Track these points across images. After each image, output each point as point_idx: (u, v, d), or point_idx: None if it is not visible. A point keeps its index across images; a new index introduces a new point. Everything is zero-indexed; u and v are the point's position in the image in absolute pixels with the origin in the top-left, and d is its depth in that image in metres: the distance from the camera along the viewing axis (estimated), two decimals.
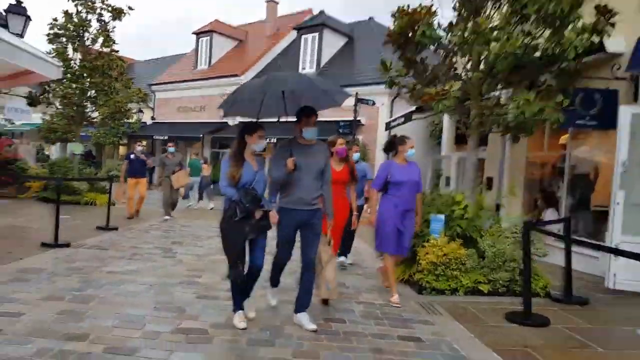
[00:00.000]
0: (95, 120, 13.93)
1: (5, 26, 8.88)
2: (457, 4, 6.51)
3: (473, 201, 6.20)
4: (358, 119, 14.88)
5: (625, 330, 4.50)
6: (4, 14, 9.30)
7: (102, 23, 12.99)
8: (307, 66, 18.79)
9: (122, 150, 25.26)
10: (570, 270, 5.43)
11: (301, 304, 4.02)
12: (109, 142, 21.98)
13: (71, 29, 12.52)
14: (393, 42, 6.21)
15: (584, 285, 5.96)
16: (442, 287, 5.23)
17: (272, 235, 3.99)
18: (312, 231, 3.98)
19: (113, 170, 18.68)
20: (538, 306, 4.72)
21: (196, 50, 23.13)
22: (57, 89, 12.69)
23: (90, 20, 12.88)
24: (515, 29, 5.73)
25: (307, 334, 3.79)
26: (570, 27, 5.51)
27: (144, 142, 17.28)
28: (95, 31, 12.91)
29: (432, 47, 6.45)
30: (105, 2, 12.86)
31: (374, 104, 14.43)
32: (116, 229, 8.22)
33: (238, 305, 3.95)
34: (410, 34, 5.97)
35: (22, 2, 9.34)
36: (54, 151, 27.24)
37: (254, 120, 4.30)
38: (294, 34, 20.48)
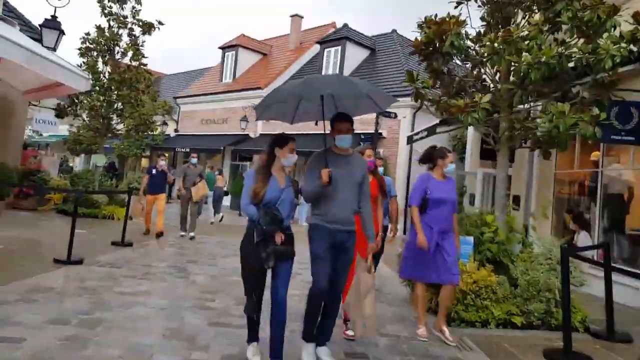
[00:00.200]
0: (119, 132, 14.04)
1: (40, 40, 9.04)
2: (486, 14, 6.23)
3: (503, 222, 5.81)
4: (379, 131, 14.61)
5: None
6: (39, 28, 9.51)
7: (133, 37, 13.17)
8: None
9: (144, 162, 25.54)
10: (611, 303, 4.95)
11: (323, 335, 3.61)
12: (132, 154, 22.21)
13: (102, 43, 12.74)
14: (420, 53, 5.93)
15: (625, 320, 5.41)
16: (472, 318, 4.82)
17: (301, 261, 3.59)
18: (345, 256, 3.54)
19: (133, 182, 18.82)
20: (577, 342, 4.29)
21: (222, 63, 23.39)
22: (85, 101, 12.86)
23: (121, 35, 13.08)
24: (547, 38, 5.40)
25: None
26: (605, 35, 5.18)
27: (167, 155, 17.33)
28: (125, 45, 13.08)
29: (458, 58, 6.16)
30: (137, 17, 13.06)
31: (395, 116, 14.13)
32: (131, 245, 8.07)
33: (253, 337, 3.58)
34: (437, 44, 5.69)
35: (57, 17, 9.52)
36: (78, 163, 27.73)
37: (288, 123, 4.09)
38: (317, 48, 20.44)
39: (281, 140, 3.52)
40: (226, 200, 18.70)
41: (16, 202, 11.27)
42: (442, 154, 4.48)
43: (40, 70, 5.07)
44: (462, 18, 5.75)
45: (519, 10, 6.02)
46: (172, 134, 23.81)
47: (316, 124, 3.86)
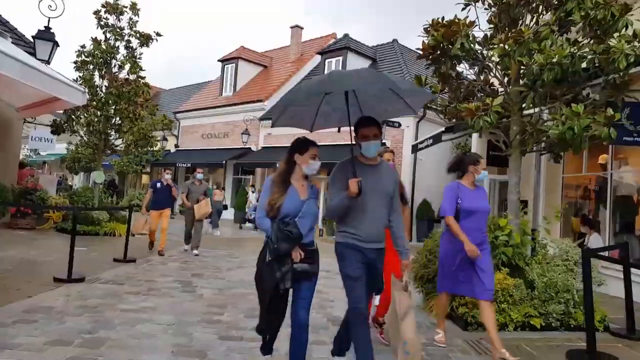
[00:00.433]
0: (118, 147, 13.83)
1: (33, 52, 8.89)
2: (493, 16, 6.12)
3: (517, 226, 5.68)
4: (383, 141, 14.46)
5: None
6: (32, 40, 9.34)
7: (130, 49, 13.00)
8: None
9: (144, 179, 25.37)
10: (631, 301, 4.99)
11: (346, 344, 3.42)
12: (132, 171, 22.03)
13: (99, 55, 12.53)
14: (427, 57, 5.80)
15: None
16: None
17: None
18: (374, 277, 3.18)
19: (134, 199, 18.62)
20: (598, 341, 4.14)
21: (221, 77, 23.34)
22: (82, 117, 12.64)
23: (118, 47, 12.89)
24: (558, 38, 5.28)
25: None
26: (616, 35, 5.08)
27: (170, 170, 17.19)
28: (122, 57, 12.92)
29: (467, 62, 6.04)
30: (134, 29, 12.91)
31: (399, 125, 14.02)
32: (134, 261, 7.85)
33: (268, 349, 3.36)
34: (445, 47, 5.55)
35: (50, 28, 9.35)
36: (77, 181, 27.56)
37: (307, 130, 3.67)
38: (318, 58, 20.45)
39: (301, 144, 3.16)
40: (230, 214, 18.54)
41: (14, 222, 11.07)
42: (474, 160, 4.13)
43: (33, 84, 4.91)
44: (469, 20, 5.64)
45: (527, 13, 5.92)
46: (173, 150, 23.68)
47: (339, 130, 3.57)
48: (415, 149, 12.40)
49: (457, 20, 5.33)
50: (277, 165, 3.25)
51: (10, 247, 8.35)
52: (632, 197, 7.75)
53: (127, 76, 12.91)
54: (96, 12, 12.64)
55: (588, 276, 4.10)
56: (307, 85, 3.39)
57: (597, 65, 5.01)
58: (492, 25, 6.16)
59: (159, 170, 21.99)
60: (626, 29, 5.08)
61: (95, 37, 12.69)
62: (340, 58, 18.45)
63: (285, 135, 18.71)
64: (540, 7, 5.80)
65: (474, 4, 5.93)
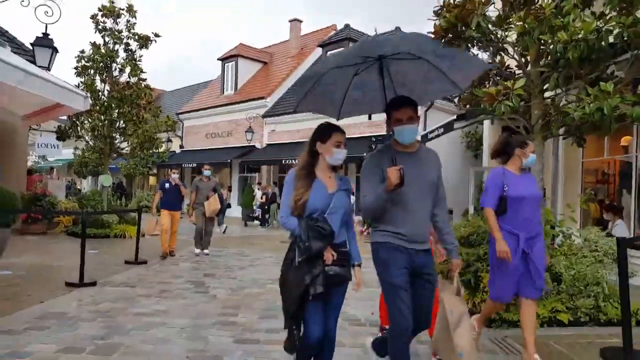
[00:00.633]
0: (124, 151, 13.75)
1: (33, 60, 8.78)
2: None
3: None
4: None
5: None
6: (31, 47, 9.22)
7: (129, 52, 12.87)
8: None
9: (151, 180, 25.33)
10: None
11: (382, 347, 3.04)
12: (139, 173, 22.00)
13: (98, 60, 12.42)
14: (440, 40, 5.55)
15: None
16: (514, 318, 4.42)
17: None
18: (426, 281, 2.74)
19: (143, 201, 18.57)
20: (634, 338, 3.86)
21: (222, 75, 23.15)
22: (86, 122, 12.57)
23: (117, 51, 12.77)
24: (582, 13, 5.01)
25: None
26: None
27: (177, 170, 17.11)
28: (122, 60, 12.79)
29: (480, 44, 5.77)
30: (132, 31, 12.78)
31: None
32: (145, 262, 7.72)
33: None
34: (459, 29, 5.30)
35: (48, 35, 9.22)
36: (85, 185, 27.64)
37: (333, 117, 3.17)
38: (319, 51, 20.19)
39: (323, 131, 2.74)
40: (237, 212, 18.43)
41: (25, 228, 11.04)
42: (522, 143, 3.68)
43: (36, 91, 4.85)
44: None
45: None
46: (178, 151, 23.60)
47: (369, 118, 3.23)
48: (425, 138, 12.16)
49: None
50: (297, 161, 2.85)
51: (22, 253, 8.26)
52: None
53: (128, 79, 12.79)
54: (93, 17, 12.50)
55: (624, 268, 3.82)
56: (332, 61, 2.95)
57: (625, 39, 4.72)
58: (505, 4, 5.89)
59: (166, 171, 21.93)
60: None
61: (94, 42, 12.57)
62: (342, 49, 18.17)
63: (289, 132, 18.55)
64: None
65: None
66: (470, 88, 5.97)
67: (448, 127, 10.03)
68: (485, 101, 4.98)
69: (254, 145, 19.73)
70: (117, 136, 13.02)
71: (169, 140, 22.21)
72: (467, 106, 6.56)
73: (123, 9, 12.64)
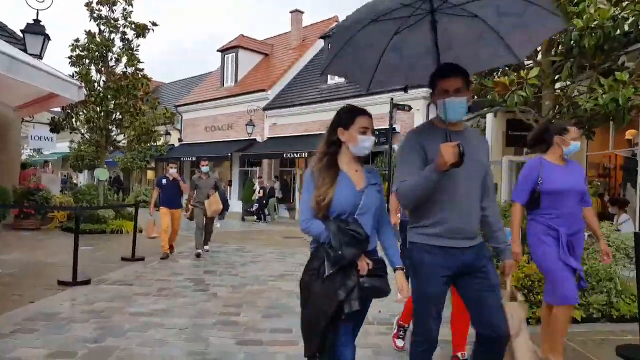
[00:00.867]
0: (121, 143, 13.45)
1: (24, 49, 8.48)
2: None
3: None
4: (394, 126, 13.99)
5: None
6: (21, 35, 8.91)
7: (126, 42, 12.54)
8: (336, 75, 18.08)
9: (150, 175, 25.05)
10: None
11: None
12: (136, 167, 21.71)
13: (94, 49, 12.08)
14: None
15: None
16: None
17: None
18: (484, 281, 2.29)
19: (141, 196, 18.32)
20: None
21: (222, 67, 22.80)
22: (81, 113, 12.25)
23: (113, 40, 12.44)
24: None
25: None
26: None
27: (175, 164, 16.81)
28: (119, 50, 12.47)
29: None
30: (129, 20, 12.44)
31: (410, 109, 13.52)
32: (143, 259, 7.48)
33: None
34: None
35: (40, 21, 8.89)
36: (82, 179, 27.36)
37: (363, 87, 2.66)
38: (320, 43, 19.85)
39: (345, 116, 2.31)
40: (238, 207, 18.21)
41: (18, 223, 10.81)
42: (562, 129, 3.27)
43: (28, 80, 4.60)
44: None
45: None
46: (177, 144, 23.31)
47: (405, 90, 2.73)
48: None
49: None
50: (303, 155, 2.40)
51: (13, 249, 8.02)
52: None
53: (125, 69, 12.47)
54: (88, 4, 12.14)
55: None
56: (369, 11, 2.17)
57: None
58: None
59: (164, 165, 21.66)
60: None
61: (89, 31, 12.22)
62: None
63: (291, 126, 18.27)
64: None
65: None
66: (479, 78, 5.76)
67: None
68: (497, 92, 4.79)
69: (254, 139, 19.46)
70: (114, 128, 12.71)
71: (168, 134, 21.91)
72: (475, 97, 6.35)
73: None
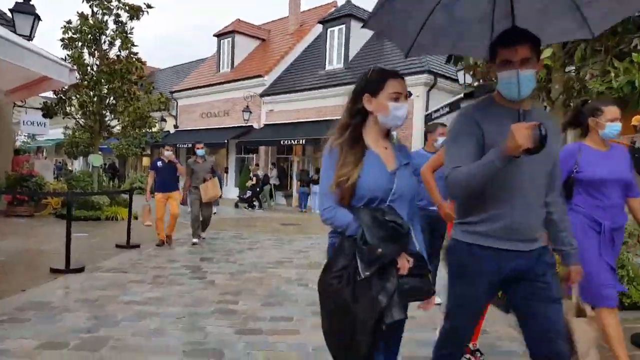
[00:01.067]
0: (115, 129, 13.18)
1: (13, 30, 8.19)
2: None
3: None
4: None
5: None
6: (9, 14, 8.60)
7: (120, 24, 12.21)
8: (334, 61, 17.80)
9: (145, 161, 24.78)
10: None
11: None
12: (131, 153, 21.44)
13: (87, 31, 11.75)
14: None
15: None
16: None
17: None
18: (543, 292, 1.91)
19: (136, 182, 18.08)
20: None
21: (218, 53, 22.40)
22: (73, 97, 11.96)
23: (106, 22, 12.10)
24: None
25: None
26: None
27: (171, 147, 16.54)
28: (112, 33, 12.14)
29: None
30: (122, 1, 12.09)
31: (410, 95, 13.24)
32: (138, 246, 7.31)
33: None
34: None
35: (30, 0, 8.58)
36: (77, 165, 27.08)
37: (403, 50, 2.25)
38: (319, 28, 19.48)
39: (375, 79, 1.88)
40: (233, 193, 18.02)
41: (11, 210, 10.57)
42: (596, 110, 2.86)
43: (16, 61, 4.33)
44: None
45: None
46: (172, 130, 23.02)
47: (448, 61, 2.27)
48: (430, 118, 11.75)
49: None
50: (328, 137, 1.94)
51: (6, 236, 7.85)
52: None
53: (118, 52, 12.15)
54: None
55: None
56: None
57: None
58: None
59: (159, 151, 21.42)
60: None
61: (82, 12, 11.87)
62: (343, 26, 17.57)
63: (288, 112, 18.02)
64: None
65: None
66: (487, 60, 5.58)
67: (455, 106, 9.61)
68: None
69: (251, 126, 19.22)
70: (107, 113, 12.44)
71: (163, 120, 21.60)
72: (481, 80, 6.18)
73: None
